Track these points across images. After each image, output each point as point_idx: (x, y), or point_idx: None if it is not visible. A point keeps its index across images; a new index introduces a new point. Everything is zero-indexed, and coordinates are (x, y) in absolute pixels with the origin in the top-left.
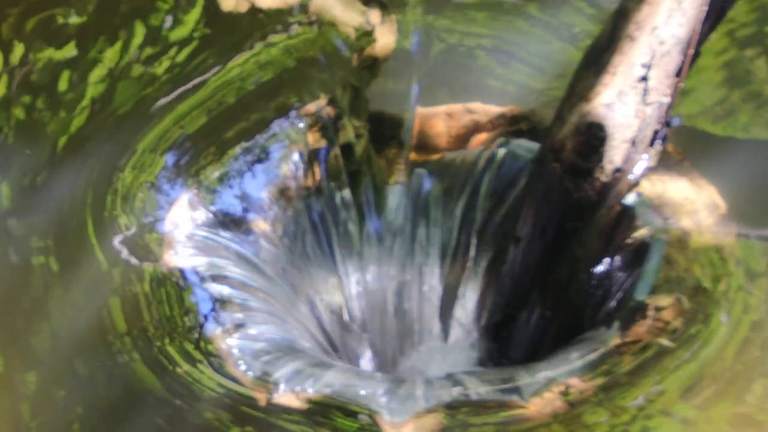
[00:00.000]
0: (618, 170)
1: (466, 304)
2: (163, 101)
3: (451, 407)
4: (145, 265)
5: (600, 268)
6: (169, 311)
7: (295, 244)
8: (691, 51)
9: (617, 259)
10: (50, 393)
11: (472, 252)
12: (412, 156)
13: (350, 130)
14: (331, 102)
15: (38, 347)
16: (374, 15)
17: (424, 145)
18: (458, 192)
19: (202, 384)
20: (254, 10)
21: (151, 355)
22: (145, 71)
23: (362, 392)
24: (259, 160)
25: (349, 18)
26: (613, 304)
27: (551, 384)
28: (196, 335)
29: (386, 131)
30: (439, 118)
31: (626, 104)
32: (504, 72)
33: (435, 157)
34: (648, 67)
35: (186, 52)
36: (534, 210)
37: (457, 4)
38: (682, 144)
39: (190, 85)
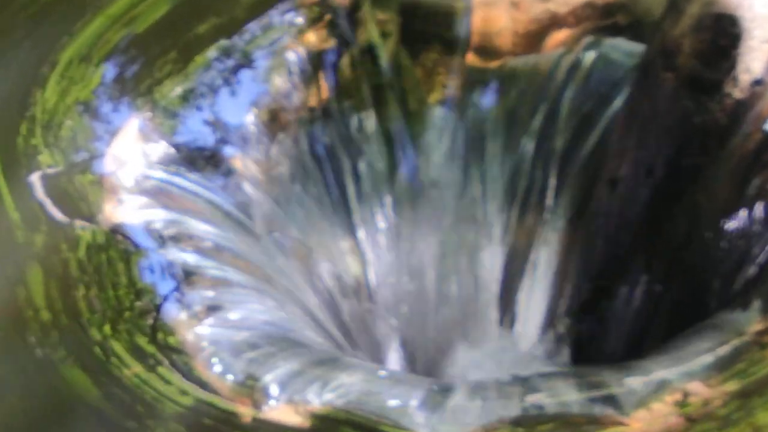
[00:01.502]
0: (758, 82)
1: (540, 275)
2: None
3: (520, 424)
4: (78, 221)
5: (733, 224)
6: (112, 288)
7: (293, 191)
8: None
9: (757, 209)
10: None
11: (548, 201)
12: (463, 62)
13: (372, 26)
14: None
15: None
16: None
17: (480, 47)
18: (528, 114)
19: (160, 393)
20: None
21: (85, 350)
22: None
23: (390, 402)
24: (240, 70)
25: None
26: (752, 273)
27: (662, 390)
28: (150, 322)
29: (424, 27)
30: (501, 9)
31: None
32: None
33: (494, 64)
34: None
35: None
36: (637, 140)
37: None
38: None
39: None
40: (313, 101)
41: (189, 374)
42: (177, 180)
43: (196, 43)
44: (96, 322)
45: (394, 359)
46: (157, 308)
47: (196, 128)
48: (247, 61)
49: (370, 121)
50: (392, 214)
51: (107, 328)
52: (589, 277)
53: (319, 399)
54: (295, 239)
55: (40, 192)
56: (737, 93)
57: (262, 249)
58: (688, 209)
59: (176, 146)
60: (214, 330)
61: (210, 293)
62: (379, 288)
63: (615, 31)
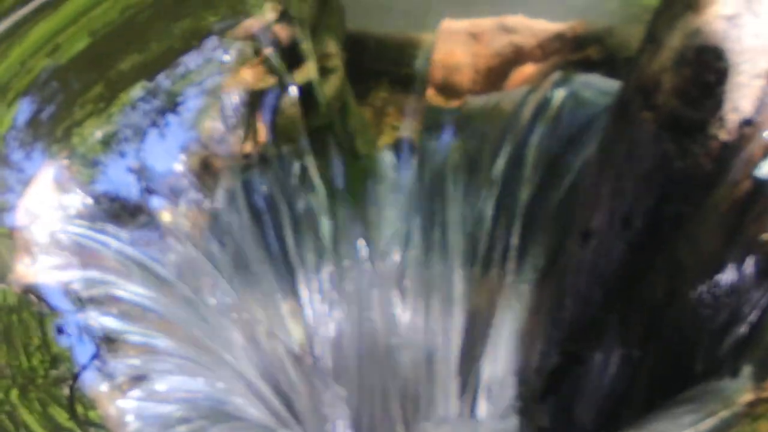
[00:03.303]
0: (747, 122)
1: (504, 340)
2: (9, 20)
3: None
4: None
5: (719, 280)
6: (25, 354)
7: (227, 247)
8: None
9: (747, 264)
10: None
11: (512, 257)
12: (416, 102)
13: (313, 62)
14: (284, 15)
15: None
16: None
17: (437, 83)
18: (490, 160)
19: None
20: None
21: None
22: None
23: None
24: (168, 112)
25: None
26: (741, 335)
27: None
28: (67, 393)
29: (372, 63)
30: (458, 42)
31: (760, 16)
32: None
33: (452, 103)
34: None
35: None
36: (612, 187)
37: None
38: None
39: None
40: (249, 147)
41: None
42: (97, 235)
43: (119, 80)
44: (4, 388)
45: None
46: (75, 378)
47: (118, 177)
48: (175, 102)
49: (311, 167)
50: (338, 272)
51: (16, 397)
52: (558, 342)
53: None
54: (231, 300)
55: None
56: (724, 135)
57: (193, 312)
58: (670, 264)
59: (96, 197)
60: (139, 403)
61: (134, 361)
62: (324, 355)
63: (587, 66)
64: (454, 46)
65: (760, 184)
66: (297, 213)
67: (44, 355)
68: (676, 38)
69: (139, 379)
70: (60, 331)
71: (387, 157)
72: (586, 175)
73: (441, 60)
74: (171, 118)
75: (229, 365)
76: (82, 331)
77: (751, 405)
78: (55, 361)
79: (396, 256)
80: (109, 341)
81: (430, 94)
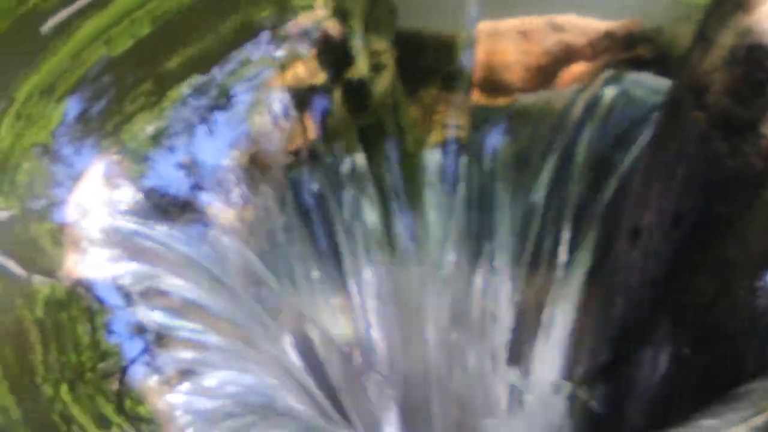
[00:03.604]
0: None
1: (553, 339)
2: (58, 16)
3: None
4: (35, 276)
5: None
6: (74, 350)
7: (276, 243)
8: None
9: None
10: None
11: (562, 256)
12: (467, 100)
13: (365, 59)
14: (335, 12)
15: None
16: None
17: (486, 83)
18: (540, 159)
19: None
20: None
21: (43, 418)
22: None
23: None
24: (218, 108)
25: None
26: None
27: None
28: (116, 387)
29: (423, 60)
30: (509, 40)
31: None
32: None
33: (502, 101)
34: None
35: None
36: (662, 186)
37: None
38: None
39: None
40: (298, 143)
41: None
42: (146, 230)
43: (169, 76)
44: (53, 386)
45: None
46: (123, 373)
47: (168, 173)
48: (225, 98)
49: (362, 165)
50: (388, 268)
51: (66, 393)
52: (608, 341)
53: None
54: (279, 297)
55: None
56: None
57: (241, 308)
58: (719, 263)
59: (146, 193)
60: (188, 397)
61: (183, 356)
62: (374, 351)
63: (638, 64)
64: (505, 44)
65: None
66: (346, 210)
67: (93, 350)
68: (727, 37)
69: (187, 373)
70: (109, 328)
71: (436, 156)
72: (636, 173)
73: (490, 58)
74: (221, 113)
75: (277, 361)
76: (131, 325)
77: None
78: (104, 356)
79: (445, 254)
80: (158, 336)
81: (480, 92)
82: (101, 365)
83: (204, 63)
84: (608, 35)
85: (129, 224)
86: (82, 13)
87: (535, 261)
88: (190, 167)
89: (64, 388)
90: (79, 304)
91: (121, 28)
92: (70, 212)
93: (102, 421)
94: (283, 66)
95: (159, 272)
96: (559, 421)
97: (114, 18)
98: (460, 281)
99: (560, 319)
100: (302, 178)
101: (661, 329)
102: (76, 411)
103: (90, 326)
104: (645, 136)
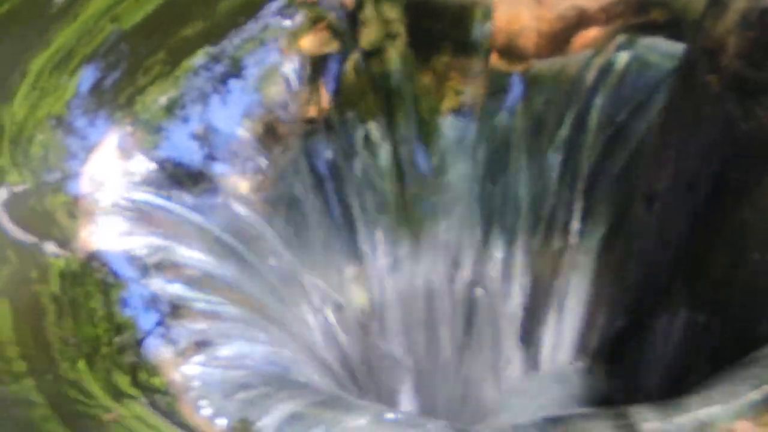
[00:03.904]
0: None
1: (568, 306)
2: None
3: None
4: (50, 248)
5: None
6: (90, 323)
7: (291, 212)
8: None
9: None
10: None
11: (576, 221)
12: (480, 66)
13: (378, 26)
14: None
15: None
16: None
17: (501, 48)
18: (555, 123)
19: None
20: None
21: (58, 392)
22: None
23: None
24: (231, 77)
25: None
26: None
27: (707, 431)
28: (132, 360)
29: (434, 27)
30: (523, 6)
31: None
32: None
33: (516, 67)
34: None
35: None
36: (677, 151)
37: None
38: None
39: None
40: (312, 111)
41: (175, 417)
42: (161, 201)
43: (182, 47)
44: (70, 361)
45: (405, 401)
46: (139, 343)
47: (181, 143)
48: (238, 67)
49: (376, 132)
50: (404, 237)
51: (83, 367)
52: (624, 308)
53: None
54: (293, 266)
55: (5, 215)
56: None
57: (256, 278)
58: (735, 228)
59: (160, 163)
60: (202, 369)
61: (198, 327)
62: (387, 321)
63: (651, 29)
64: (518, 10)
65: None
66: (360, 178)
67: (109, 323)
68: (740, 1)
69: (202, 344)
70: (124, 300)
71: (450, 121)
72: (651, 138)
73: (504, 24)
74: (234, 83)
75: (292, 332)
76: (146, 298)
77: None
78: (119, 329)
79: (458, 220)
80: (172, 308)
81: (494, 58)
82: (117, 339)
83: (217, 33)
84: (622, 0)
85: (143, 196)
86: None
87: (550, 228)
88: (204, 137)
89: (81, 363)
90: (94, 276)
91: (130, 2)
92: (84, 184)
93: (118, 395)
94: (296, 35)
95: (173, 244)
96: (574, 392)
97: None
98: (476, 250)
99: (576, 288)
100: (317, 146)
101: (676, 295)
102: (94, 387)
103: (105, 299)
104: (659, 101)
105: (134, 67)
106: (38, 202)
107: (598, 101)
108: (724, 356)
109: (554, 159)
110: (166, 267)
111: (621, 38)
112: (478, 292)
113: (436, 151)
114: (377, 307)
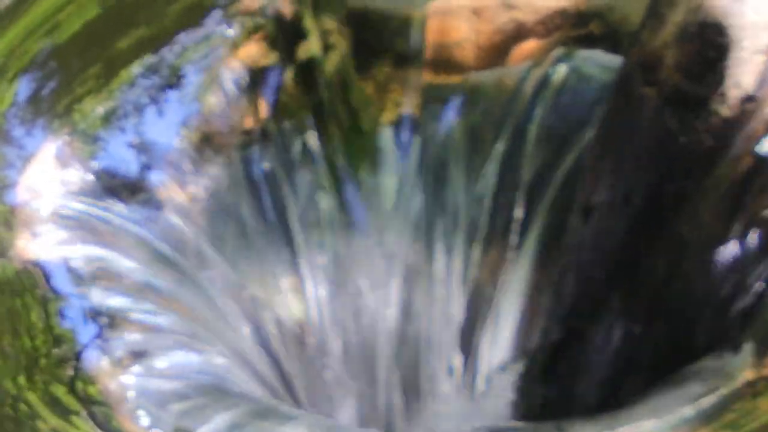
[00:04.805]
0: (749, 99)
1: (504, 317)
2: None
3: None
4: None
5: (722, 256)
6: (26, 335)
7: (228, 223)
8: None
9: (750, 239)
10: None
11: (514, 233)
12: (419, 78)
13: (315, 37)
14: None
15: None
16: None
17: (438, 60)
18: (493, 134)
19: None
20: None
21: None
22: None
23: None
24: (169, 88)
25: None
26: (743, 307)
27: None
28: (69, 371)
29: (375, 38)
30: (461, 18)
31: None
32: None
33: (454, 79)
34: None
35: None
36: (614, 163)
37: None
38: None
39: None
40: (250, 122)
41: (110, 428)
42: (98, 212)
43: (120, 57)
44: (8, 372)
45: (344, 412)
46: (77, 356)
47: (119, 153)
48: (176, 78)
49: (314, 143)
50: (340, 249)
51: (21, 379)
52: (560, 318)
53: None
54: (231, 277)
55: None
56: (725, 111)
57: (193, 288)
58: (671, 240)
59: (97, 173)
60: (139, 379)
61: (135, 338)
62: (324, 333)
63: (589, 41)
64: (456, 22)
65: (761, 160)
66: (298, 189)
67: (47, 335)
68: (679, 13)
69: (139, 355)
70: (62, 312)
71: (389, 133)
72: (588, 150)
73: (443, 36)
74: (172, 93)
75: (229, 343)
76: (84, 309)
77: (752, 381)
78: (58, 340)
79: (397, 232)
80: (110, 318)
81: (433, 70)
82: (55, 351)
83: (154, 43)
84: (560, 13)
85: (80, 206)
86: None
87: (488, 240)
88: (141, 147)
89: (22, 378)
90: (32, 289)
91: (70, 10)
92: (20, 194)
93: (56, 406)
94: (235, 45)
95: (111, 253)
96: (509, 402)
97: (60, 1)
98: (413, 262)
99: (513, 299)
100: (254, 157)
101: (612, 307)
102: (32, 398)
103: (43, 310)
104: (597, 113)
105: (72, 76)
106: None
107: (537, 113)
108: (661, 366)
109: (493, 170)
110: (103, 277)
111: (559, 51)
112: (416, 304)
113: (374, 162)
114: (314, 319)
